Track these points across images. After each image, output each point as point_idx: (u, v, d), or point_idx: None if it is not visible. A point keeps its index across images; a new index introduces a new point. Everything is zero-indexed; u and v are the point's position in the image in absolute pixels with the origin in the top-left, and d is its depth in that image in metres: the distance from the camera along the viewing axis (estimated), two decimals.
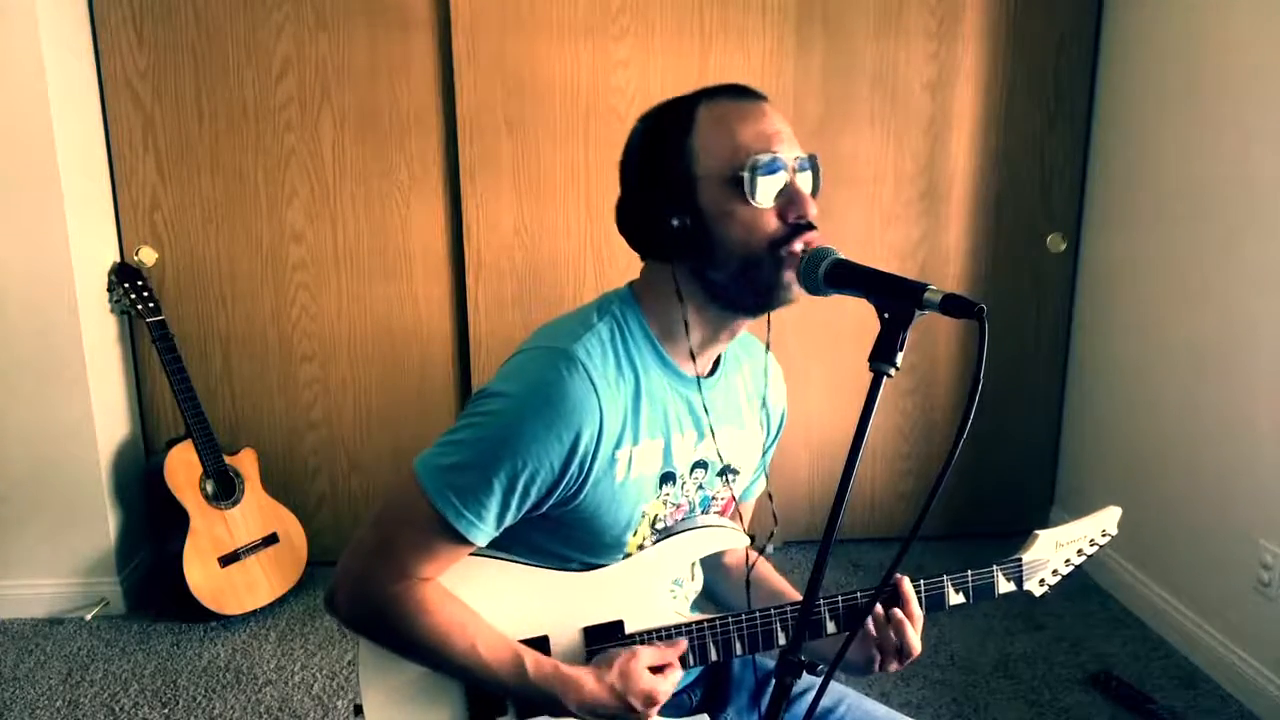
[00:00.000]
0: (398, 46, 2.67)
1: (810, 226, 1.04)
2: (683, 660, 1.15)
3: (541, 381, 1.03)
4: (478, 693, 1.14)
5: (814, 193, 1.07)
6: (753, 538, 1.28)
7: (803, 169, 1.05)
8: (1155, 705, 2.21)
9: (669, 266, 1.09)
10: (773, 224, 1.03)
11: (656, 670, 1.12)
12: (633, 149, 1.12)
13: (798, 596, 1.26)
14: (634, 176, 1.11)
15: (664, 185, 1.06)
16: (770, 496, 1.32)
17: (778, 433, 1.32)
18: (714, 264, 1.05)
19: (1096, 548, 1.31)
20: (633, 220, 1.09)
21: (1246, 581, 2.27)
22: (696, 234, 1.04)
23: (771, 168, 1.02)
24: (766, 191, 1.02)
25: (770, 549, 1.33)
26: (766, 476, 1.34)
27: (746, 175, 1.01)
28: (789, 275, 1.04)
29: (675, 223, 1.04)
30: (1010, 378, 3.04)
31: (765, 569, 1.34)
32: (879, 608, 1.14)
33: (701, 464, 1.18)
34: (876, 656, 1.15)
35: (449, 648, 1.07)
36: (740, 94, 1.08)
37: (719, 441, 1.18)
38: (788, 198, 1.04)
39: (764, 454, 1.30)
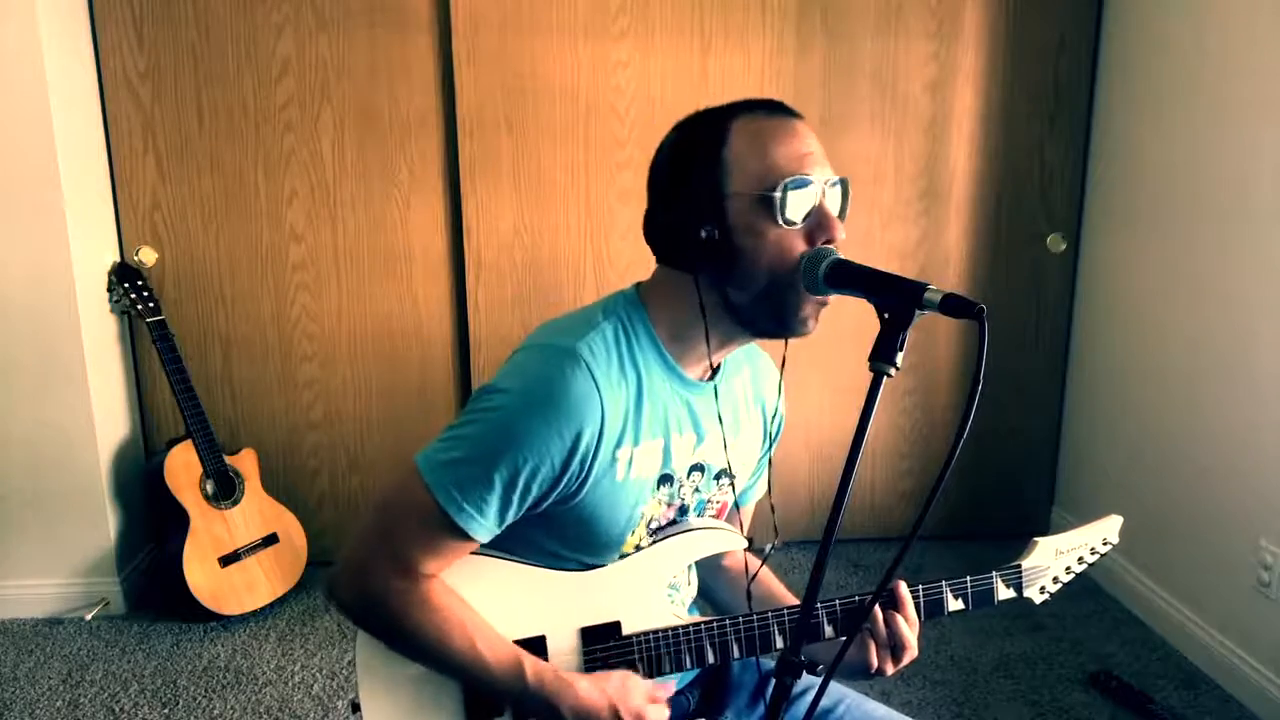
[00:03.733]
0: (398, 47, 2.67)
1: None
2: (679, 667, 1.16)
3: (544, 378, 1.04)
4: (475, 693, 1.13)
5: (842, 214, 1.06)
6: (750, 541, 1.28)
7: (833, 190, 1.05)
8: (1155, 705, 2.21)
9: (690, 277, 1.08)
10: (800, 246, 1.03)
11: (650, 699, 1.13)
12: (664, 157, 1.11)
13: (795, 601, 1.26)
14: (664, 184, 1.10)
15: (693, 197, 1.05)
16: (772, 509, 1.32)
17: (775, 437, 1.32)
18: (737, 282, 1.05)
19: (1097, 556, 1.31)
20: (660, 228, 1.09)
21: (1246, 581, 2.27)
22: (723, 249, 1.04)
23: (803, 189, 1.02)
24: (796, 213, 1.02)
25: (769, 551, 1.33)
26: (769, 484, 1.34)
27: (778, 196, 1.01)
28: (808, 309, 1.05)
29: (703, 234, 1.03)
30: (1010, 378, 3.04)
31: (763, 573, 1.34)
32: (876, 609, 1.14)
33: (699, 467, 1.18)
34: (874, 661, 1.15)
35: (448, 645, 1.07)
36: (775, 110, 1.07)
37: (717, 445, 1.18)
38: (816, 220, 1.04)
39: (762, 458, 1.31)
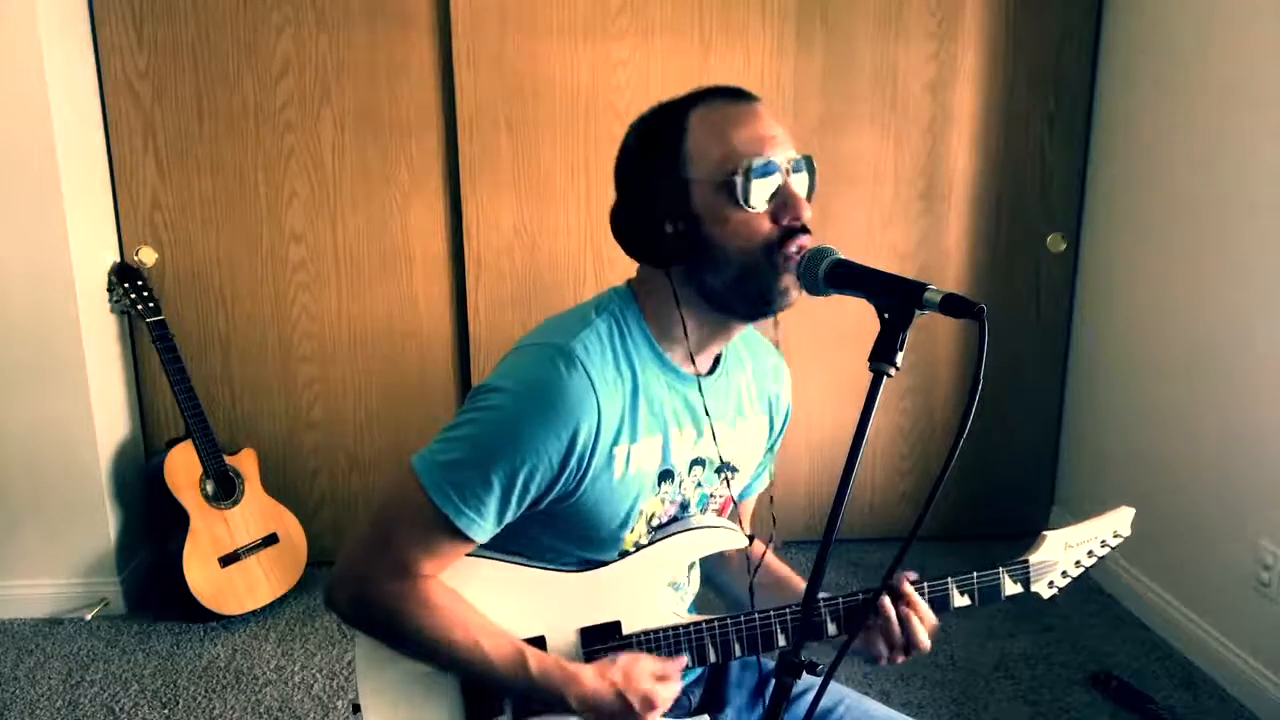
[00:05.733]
0: (398, 46, 2.67)
1: (804, 230, 1.04)
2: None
3: (540, 378, 1.04)
4: (474, 691, 1.13)
5: (809, 194, 1.06)
6: (752, 538, 1.28)
7: (797, 170, 1.05)
8: (1155, 705, 2.21)
9: (663, 271, 1.09)
10: (766, 227, 1.03)
11: (658, 678, 1.12)
12: (626, 154, 1.12)
13: (803, 584, 1.26)
14: (628, 182, 1.11)
15: (657, 191, 1.06)
16: (771, 499, 1.32)
17: (781, 430, 1.31)
18: (710, 269, 1.05)
19: (1108, 549, 1.28)
20: (627, 226, 1.09)
21: (1246, 581, 2.27)
22: (691, 239, 1.04)
23: (764, 171, 1.02)
24: (760, 195, 1.02)
25: (769, 547, 1.33)
26: (772, 478, 1.34)
27: (739, 180, 1.01)
28: (786, 280, 1.04)
29: (669, 229, 1.04)
30: (1010, 378, 3.04)
31: (770, 559, 1.34)
32: (888, 606, 1.13)
33: (699, 461, 1.18)
34: (883, 651, 1.14)
35: (450, 642, 1.07)
36: (732, 96, 1.07)
37: (717, 440, 1.18)
38: (781, 201, 1.03)
39: (768, 452, 1.30)
